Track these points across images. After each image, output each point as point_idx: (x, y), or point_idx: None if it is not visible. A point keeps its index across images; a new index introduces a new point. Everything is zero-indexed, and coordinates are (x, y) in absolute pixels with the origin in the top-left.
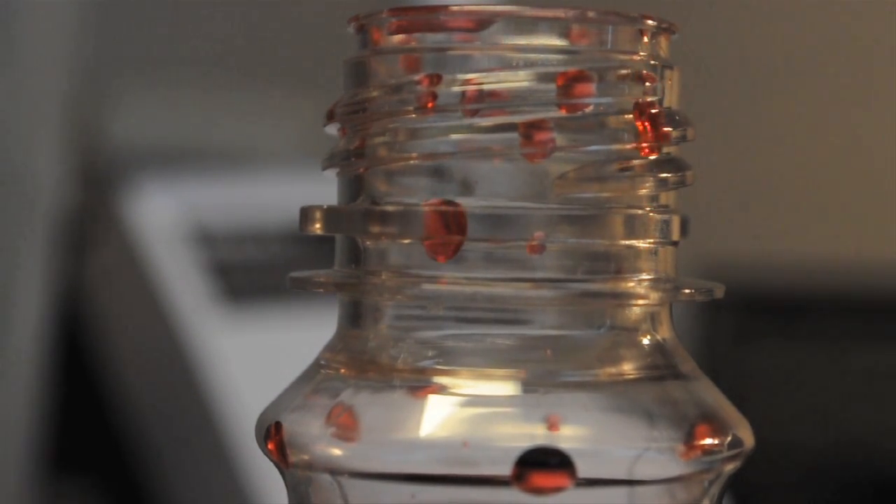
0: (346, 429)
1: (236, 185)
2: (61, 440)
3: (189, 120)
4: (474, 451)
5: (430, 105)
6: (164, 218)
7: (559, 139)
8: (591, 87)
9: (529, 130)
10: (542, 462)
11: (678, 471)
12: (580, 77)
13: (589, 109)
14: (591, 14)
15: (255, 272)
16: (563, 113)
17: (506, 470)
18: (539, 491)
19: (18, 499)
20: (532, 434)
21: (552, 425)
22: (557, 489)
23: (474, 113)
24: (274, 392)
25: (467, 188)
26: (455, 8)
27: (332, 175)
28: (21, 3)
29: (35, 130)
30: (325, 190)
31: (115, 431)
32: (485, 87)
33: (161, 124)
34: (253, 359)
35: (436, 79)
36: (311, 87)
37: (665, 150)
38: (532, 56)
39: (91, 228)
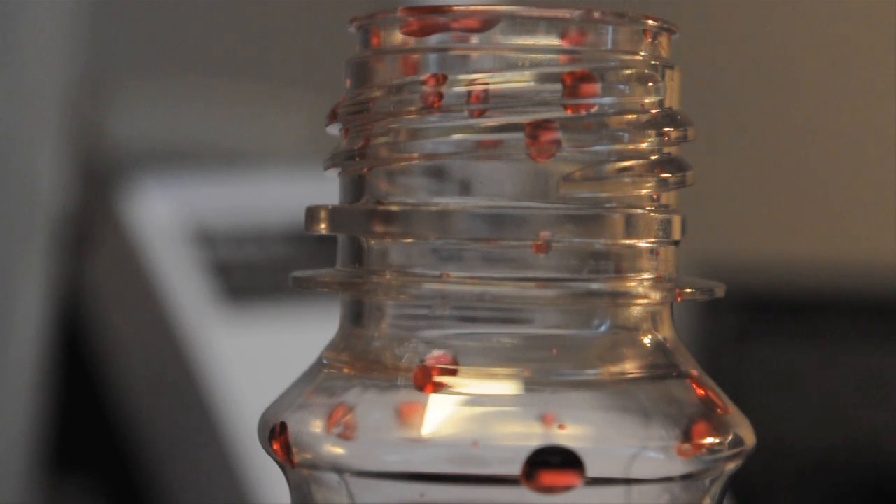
0: (351, 428)
1: (236, 185)
2: (61, 440)
3: (189, 120)
4: (484, 450)
5: (435, 105)
6: (164, 218)
7: (563, 139)
8: (597, 88)
9: (535, 130)
10: (551, 461)
11: (678, 469)
12: (587, 77)
13: (594, 110)
14: (594, 14)
15: (255, 272)
16: (568, 113)
17: (515, 469)
18: (549, 490)
19: (18, 499)
20: (538, 433)
21: (557, 424)
22: (567, 488)
23: (481, 113)
24: (274, 392)
25: (469, 188)
26: (459, 8)
27: (333, 175)
28: (21, 4)
29: (35, 130)
30: (325, 190)
31: (115, 431)
32: (491, 87)
33: (161, 124)
34: (253, 359)
35: (441, 78)
36: (311, 87)
37: (665, 150)
38: (536, 56)
39: (91, 228)
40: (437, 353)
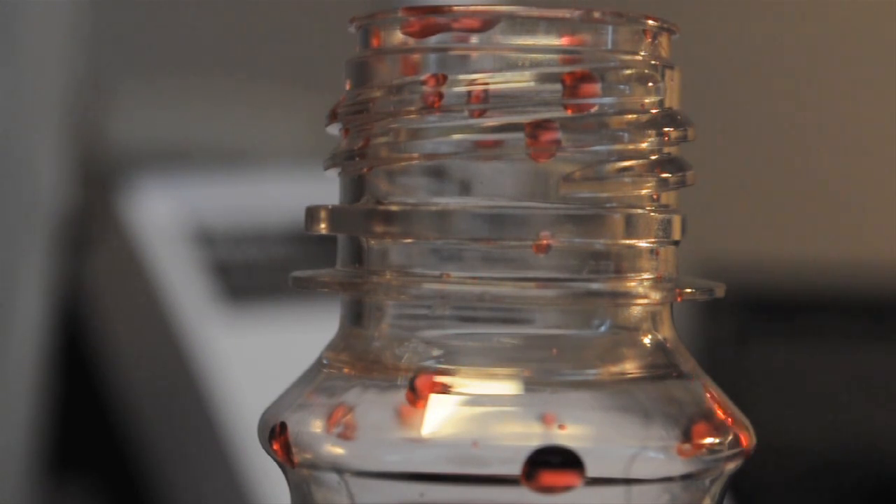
0: (351, 428)
1: (236, 185)
2: (61, 440)
3: (189, 120)
4: (484, 450)
5: (435, 105)
6: (164, 218)
7: (563, 139)
8: (597, 88)
9: (535, 130)
10: (551, 461)
11: (678, 469)
12: (586, 77)
13: (594, 110)
14: (595, 14)
15: (255, 272)
16: (568, 113)
17: (515, 469)
18: (549, 490)
19: (18, 499)
20: (538, 433)
21: (557, 424)
22: (567, 488)
23: (481, 113)
24: (274, 392)
25: (469, 188)
26: (459, 8)
27: (332, 175)
28: (21, 3)
29: (35, 130)
30: (325, 189)
31: (115, 431)
32: (491, 87)
33: (161, 124)
34: (253, 359)
35: (441, 78)
36: (311, 87)
37: (665, 150)
38: (536, 56)
39: (91, 228)
40: (424, 373)
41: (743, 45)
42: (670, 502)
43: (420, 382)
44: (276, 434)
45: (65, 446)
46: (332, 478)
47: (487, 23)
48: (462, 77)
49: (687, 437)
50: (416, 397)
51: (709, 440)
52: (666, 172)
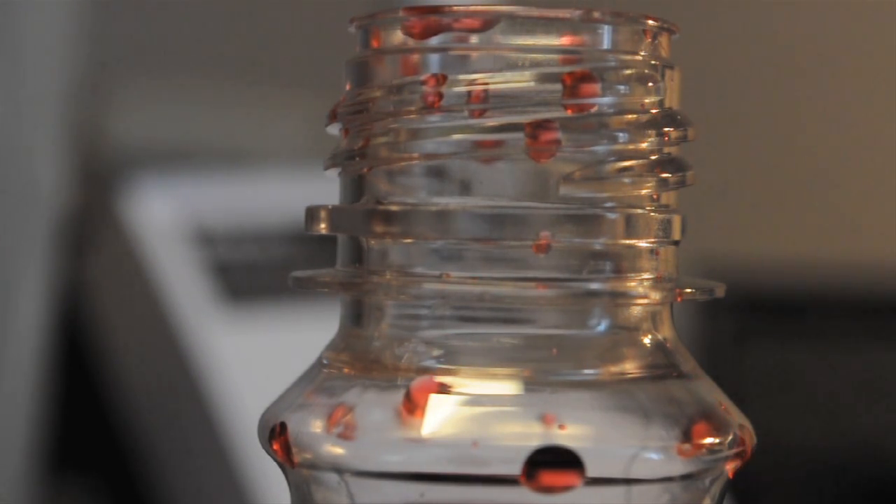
0: (351, 428)
1: (236, 185)
2: (61, 440)
3: (189, 120)
4: (484, 450)
5: (435, 105)
6: (164, 218)
7: (563, 139)
8: (597, 88)
9: (535, 131)
10: (551, 461)
11: (678, 469)
12: (586, 77)
13: (594, 110)
14: (594, 14)
15: (255, 272)
16: (568, 113)
17: (515, 469)
18: (549, 490)
19: (18, 499)
20: (538, 433)
21: (557, 424)
22: (567, 488)
23: (481, 113)
24: (274, 392)
25: (469, 188)
26: (459, 8)
27: (332, 175)
28: (21, 3)
29: (35, 130)
30: (325, 189)
31: (115, 431)
32: (491, 87)
33: (161, 124)
34: (253, 359)
35: (441, 79)
36: (311, 87)
37: (665, 150)
38: (536, 56)
39: (91, 228)
40: (421, 381)
41: (743, 45)
42: (670, 502)
43: (416, 392)
44: (276, 434)
45: (65, 446)
46: (332, 478)
47: (487, 23)
48: (462, 77)
49: (687, 437)
50: (413, 406)
51: (709, 440)
52: (666, 172)
